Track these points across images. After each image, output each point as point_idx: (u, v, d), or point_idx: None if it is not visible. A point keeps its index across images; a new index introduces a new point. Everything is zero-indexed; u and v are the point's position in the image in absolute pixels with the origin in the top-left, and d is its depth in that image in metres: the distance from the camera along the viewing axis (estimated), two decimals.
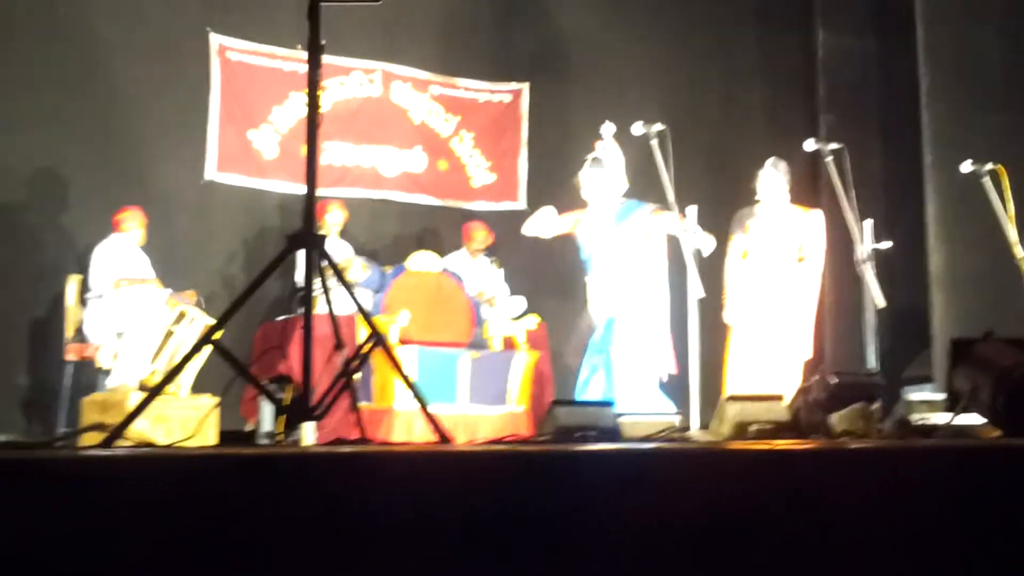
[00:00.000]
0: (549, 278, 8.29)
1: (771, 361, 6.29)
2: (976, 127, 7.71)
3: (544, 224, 6.24)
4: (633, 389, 5.94)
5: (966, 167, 6.39)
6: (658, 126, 5.99)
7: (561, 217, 6.29)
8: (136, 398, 5.59)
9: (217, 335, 3.65)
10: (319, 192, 3.75)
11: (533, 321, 7.15)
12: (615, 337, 6.12)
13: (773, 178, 6.52)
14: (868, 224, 6.20)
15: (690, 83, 8.94)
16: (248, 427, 6.76)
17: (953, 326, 7.40)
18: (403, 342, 6.59)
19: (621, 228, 6.21)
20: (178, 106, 7.44)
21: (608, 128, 6.13)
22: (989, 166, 6.29)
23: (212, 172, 7.49)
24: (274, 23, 7.74)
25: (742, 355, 6.37)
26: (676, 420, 4.68)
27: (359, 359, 3.98)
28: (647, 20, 8.98)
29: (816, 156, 7.37)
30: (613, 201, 6.23)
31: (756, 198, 6.57)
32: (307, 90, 3.64)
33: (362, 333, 5.86)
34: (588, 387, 6.19)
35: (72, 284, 6.47)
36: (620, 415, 4.55)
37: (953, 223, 7.69)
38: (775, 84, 9.30)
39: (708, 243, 6.07)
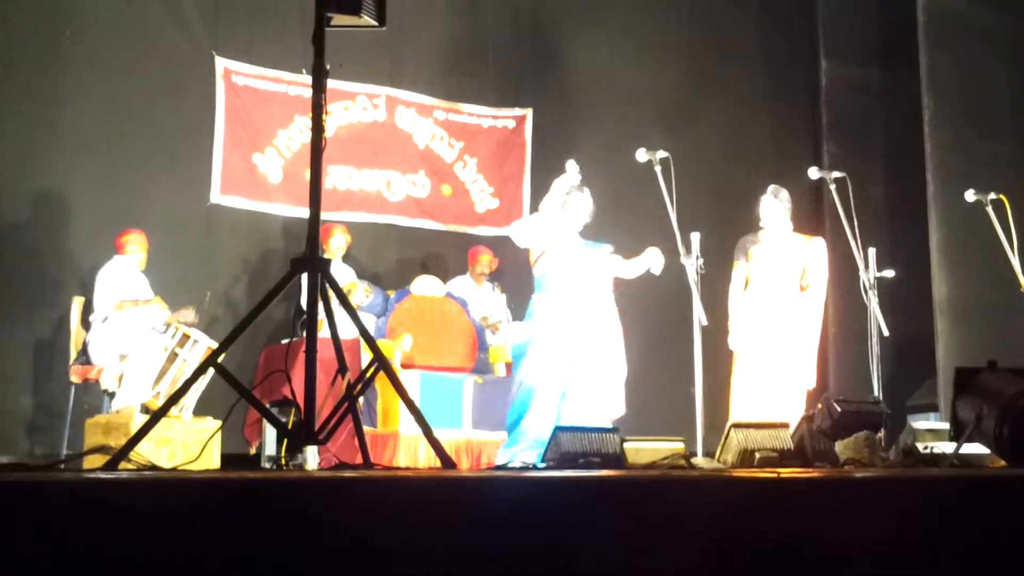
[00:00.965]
0: None
1: (776, 388, 6.27)
2: (979, 156, 7.74)
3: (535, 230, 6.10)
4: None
5: (969, 196, 6.40)
6: (661, 153, 6.00)
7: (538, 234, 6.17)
8: (139, 420, 5.59)
9: (220, 358, 3.65)
10: (323, 216, 3.76)
11: None
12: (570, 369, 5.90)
13: (773, 206, 6.52)
14: (872, 252, 6.20)
15: (694, 111, 8.97)
16: (251, 450, 6.75)
17: (958, 355, 7.39)
18: (406, 366, 6.60)
19: (585, 259, 6.11)
20: (183, 129, 7.47)
21: (572, 167, 6.10)
22: (992, 195, 6.31)
23: (217, 195, 7.50)
24: (280, 48, 7.78)
25: (747, 382, 6.36)
26: (681, 447, 4.66)
27: (362, 383, 3.98)
28: (651, 47, 9.03)
29: (820, 184, 7.41)
30: (576, 231, 6.16)
31: (760, 225, 6.57)
32: (312, 114, 3.66)
33: (365, 357, 5.86)
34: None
35: (76, 306, 6.47)
36: (624, 441, 4.55)
37: (957, 252, 7.70)
38: (779, 113, 9.34)
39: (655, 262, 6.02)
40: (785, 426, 4.97)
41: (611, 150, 8.34)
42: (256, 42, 7.79)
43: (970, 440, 4.07)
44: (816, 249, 6.55)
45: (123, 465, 3.26)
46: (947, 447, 4.47)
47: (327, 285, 3.63)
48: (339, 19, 3.77)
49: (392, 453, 6.24)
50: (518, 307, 7.69)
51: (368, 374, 3.93)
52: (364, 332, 3.79)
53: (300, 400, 3.49)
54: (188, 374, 5.64)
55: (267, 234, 7.73)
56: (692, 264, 5.90)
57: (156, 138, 7.32)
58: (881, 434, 4.90)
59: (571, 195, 6.12)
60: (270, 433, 6.51)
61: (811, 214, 8.60)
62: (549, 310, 5.99)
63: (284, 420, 5.93)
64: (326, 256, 6.41)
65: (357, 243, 7.63)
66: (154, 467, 3.34)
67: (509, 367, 7.02)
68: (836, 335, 8.21)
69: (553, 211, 6.09)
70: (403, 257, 8.20)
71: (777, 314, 6.40)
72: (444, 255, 8.29)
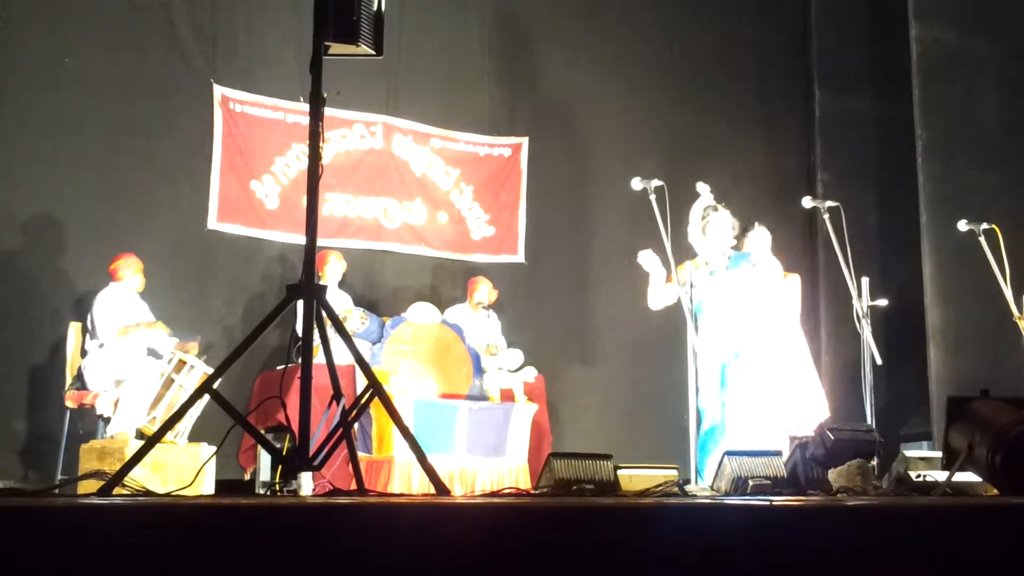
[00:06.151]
0: (548, 332, 8.31)
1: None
2: (972, 186, 7.79)
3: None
4: None
5: (962, 226, 6.43)
6: (656, 182, 6.04)
7: None
8: (134, 446, 5.58)
9: (215, 384, 3.66)
10: (320, 242, 3.78)
11: (531, 374, 7.15)
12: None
13: (763, 239, 6.54)
14: (865, 281, 6.23)
15: (688, 140, 9.02)
16: (246, 476, 6.75)
17: (950, 383, 7.41)
18: (401, 393, 6.60)
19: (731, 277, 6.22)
20: (181, 156, 7.49)
21: (704, 188, 6.26)
22: (985, 225, 6.35)
23: (214, 221, 7.51)
24: (277, 76, 7.82)
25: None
26: (674, 474, 4.67)
27: (357, 409, 3.99)
28: (647, 76, 9.09)
29: (813, 213, 7.44)
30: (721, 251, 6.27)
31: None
32: (309, 142, 3.69)
33: (360, 383, 5.87)
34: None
35: (72, 331, 6.47)
36: (618, 468, 4.55)
37: (950, 281, 7.73)
38: (773, 142, 9.39)
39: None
40: (778, 454, 4.98)
41: (606, 178, 8.39)
42: (254, 70, 7.83)
43: (963, 468, 4.08)
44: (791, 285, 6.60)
45: (117, 491, 3.26)
46: (940, 475, 4.48)
47: (323, 311, 3.65)
48: (336, 48, 3.80)
49: (386, 479, 6.23)
50: (514, 335, 7.69)
51: (363, 400, 3.94)
52: (359, 358, 3.80)
53: (295, 426, 3.50)
54: (183, 400, 5.64)
55: (264, 260, 7.74)
56: (687, 292, 5.93)
57: (154, 165, 7.34)
58: (874, 462, 4.90)
59: (708, 217, 6.19)
60: (265, 459, 6.50)
61: (804, 243, 8.64)
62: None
63: (279, 446, 5.94)
64: (322, 283, 6.44)
65: (353, 270, 7.64)
66: (148, 493, 3.35)
67: (504, 394, 7.02)
68: (829, 364, 8.22)
69: (697, 237, 6.18)
70: (399, 284, 8.21)
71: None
72: (440, 282, 8.31)
